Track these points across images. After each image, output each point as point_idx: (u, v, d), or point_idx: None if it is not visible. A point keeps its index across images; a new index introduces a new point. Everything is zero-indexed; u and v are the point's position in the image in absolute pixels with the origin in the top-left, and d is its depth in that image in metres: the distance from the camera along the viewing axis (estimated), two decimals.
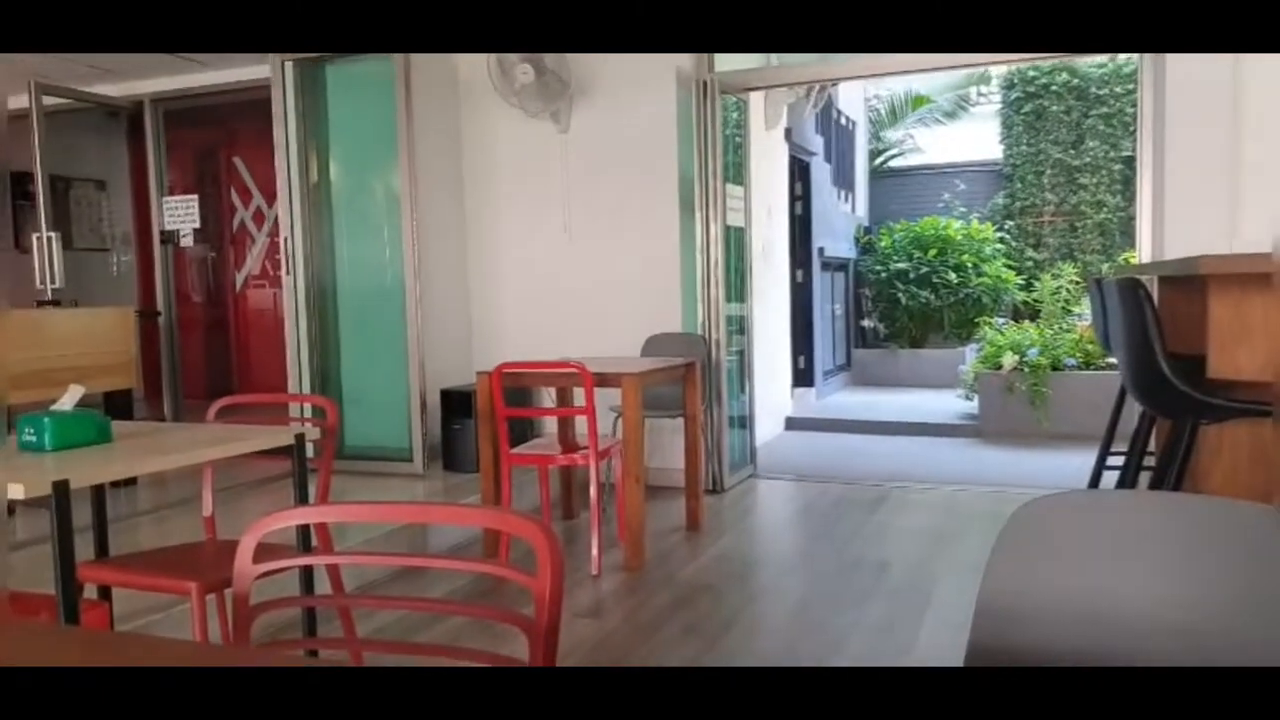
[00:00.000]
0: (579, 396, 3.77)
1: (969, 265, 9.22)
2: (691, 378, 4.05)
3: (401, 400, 4.79)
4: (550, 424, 4.70)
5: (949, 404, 7.42)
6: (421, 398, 4.72)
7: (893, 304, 9.51)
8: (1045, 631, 0.98)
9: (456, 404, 4.66)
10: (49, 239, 5.10)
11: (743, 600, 3.26)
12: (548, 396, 4.57)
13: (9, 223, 6.65)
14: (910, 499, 4.68)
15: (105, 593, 2.28)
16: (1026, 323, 7.54)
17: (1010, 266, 9.43)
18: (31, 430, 1.96)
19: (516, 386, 4.04)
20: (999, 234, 9.72)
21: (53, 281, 5.08)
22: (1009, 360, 6.49)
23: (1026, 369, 6.41)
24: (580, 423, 3.81)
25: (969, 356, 7.89)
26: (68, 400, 2.05)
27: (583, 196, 4.98)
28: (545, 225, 5.07)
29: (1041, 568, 0.99)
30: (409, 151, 4.68)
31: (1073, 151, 9.74)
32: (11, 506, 3.70)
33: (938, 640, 2.81)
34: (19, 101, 5.12)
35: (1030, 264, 9.77)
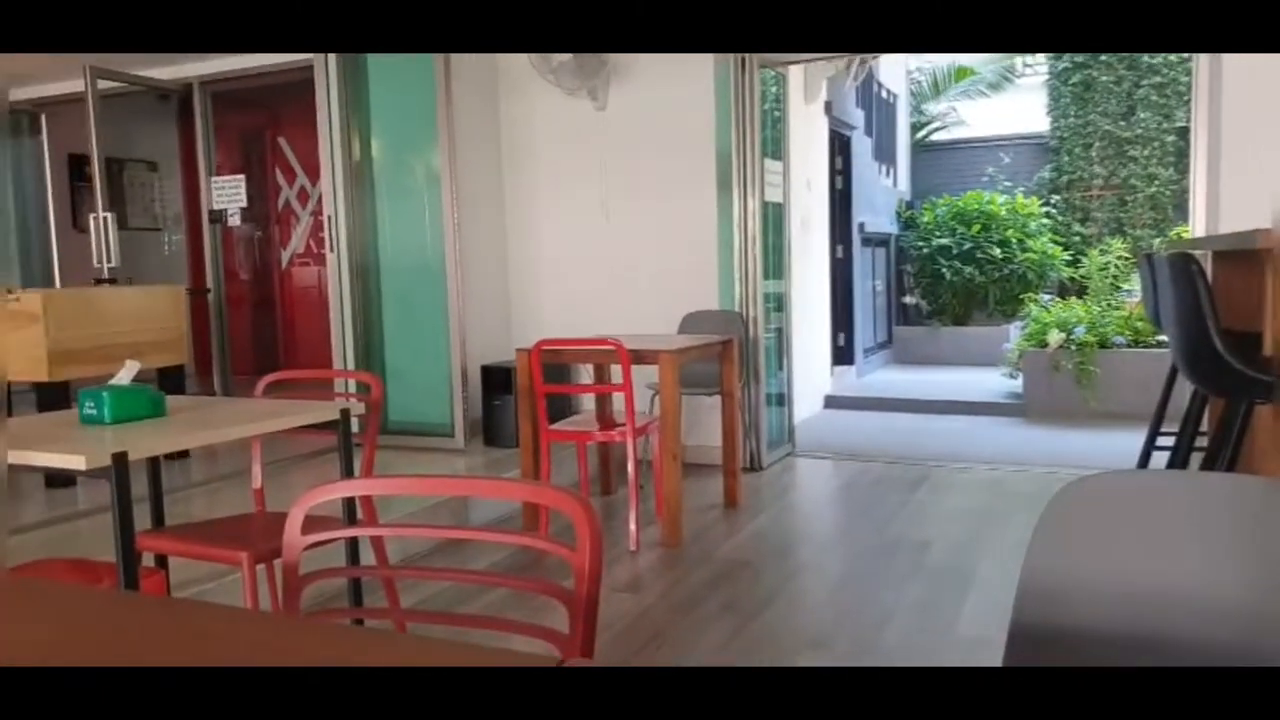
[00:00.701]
0: (616, 373, 3.79)
1: (1014, 241, 9.06)
2: (729, 355, 4.04)
3: (443, 376, 4.85)
4: (588, 400, 4.73)
5: (992, 382, 7.33)
6: (463, 374, 4.78)
7: (935, 280, 9.38)
8: (1090, 613, 0.97)
9: (496, 380, 4.72)
10: (105, 219, 5.22)
11: (781, 577, 3.27)
12: (585, 373, 4.60)
13: (67, 203, 6.83)
14: (952, 479, 4.64)
15: (161, 561, 2.35)
16: (1073, 299, 7.39)
17: (1057, 242, 9.25)
18: (92, 404, 2.02)
19: (555, 363, 4.07)
20: (1045, 208, 9.52)
21: (109, 260, 5.21)
22: (1055, 338, 6.39)
23: (1073, 347, 6.30)
24: (618, 399, 3.83)
25: (1013, 334, 7.78)
26: (124, 375, 2.11)
27: (620, 173, 4.98)
28: (583, 202, 5.08)
29: (1087, 548, 0.99)
30: (448, 130, 4.70)
31: (1123, 123, 9.49)
32: (73, 477, 3.83)
33: (980, 620, 2.80)
34: (75, 85, 5.23)
35: (1077, 239, 9.56)
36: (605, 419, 4.00)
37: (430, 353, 4.90)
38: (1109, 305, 6.87)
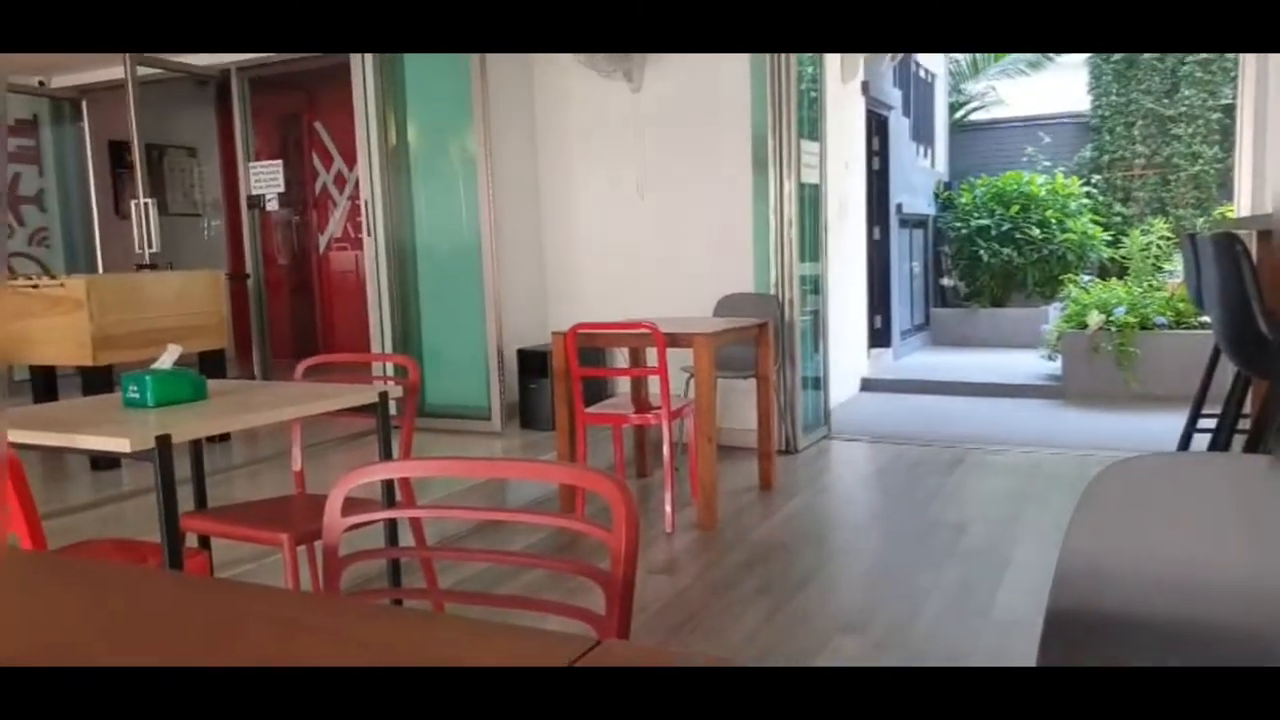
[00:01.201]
0: (652, 357, 3.79)
1: (1053, 221, 8.90)
2: (764, 338, 4.03)
3: (479, 359, 4.88)
4: (624, 384, 4.74)
5: (1031, 364, 7.23)
6: (499, 357, 4.81)
7: (973, 262, 9.26)
8: (1128, 597, 0.96)
9: (532, 363, 4.74)
10: (146, 205, 5.31)
11: (817, 560, 3.27)
12: (621, 356, 4.61)
13: (109, 190, 6.95)
14: (989, 461, 4.60)
15: (204, 542, 2.41)
16: (1113, 280, 7.26)
17: (1097, 222, 9.07)
18: (135, 388, 2.06)
19: (590, 346, 4.08)
20: (1085, 188, 9.34)
21: (150, 246, 5.30)
22: (1095, 319, 6.28)
23: (1113, 328, 6.19)
24: (653, 383, 3.84)
25: (1052, 316, 7.66)
26: (167, 359, 2.15)
27: (655, 155, 4.96)
28: (618, 185, 5.07)
29: (1126, 531, 0.97)
30: (483, 113, 4.72)
31: (1166, 100, 9.27)
32: (117, 460, 3.92)
33: (1016, 603, 2.78)
34: (115, 72, 5.31)
35: (1118, 219, 9.37)
36: (640, 402, 4.01)
37: (467, 336, 4.94)
38: (1150, 286, 6.74)
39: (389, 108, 5.03)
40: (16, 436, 1.69)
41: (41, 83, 6.66)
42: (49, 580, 1.11)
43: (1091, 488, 0.98)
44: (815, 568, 3.18)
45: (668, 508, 3.63)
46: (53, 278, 4.14)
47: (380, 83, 4.99)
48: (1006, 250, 9.02)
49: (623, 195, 5.07)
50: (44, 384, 4.78)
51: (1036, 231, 8.90)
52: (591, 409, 3.80)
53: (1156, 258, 7.22)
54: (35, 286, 4.06)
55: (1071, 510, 0.99)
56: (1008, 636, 2.56)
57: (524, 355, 4.81)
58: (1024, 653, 2.43)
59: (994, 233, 9.07)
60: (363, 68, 4.97)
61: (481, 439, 4.71)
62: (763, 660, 2.47)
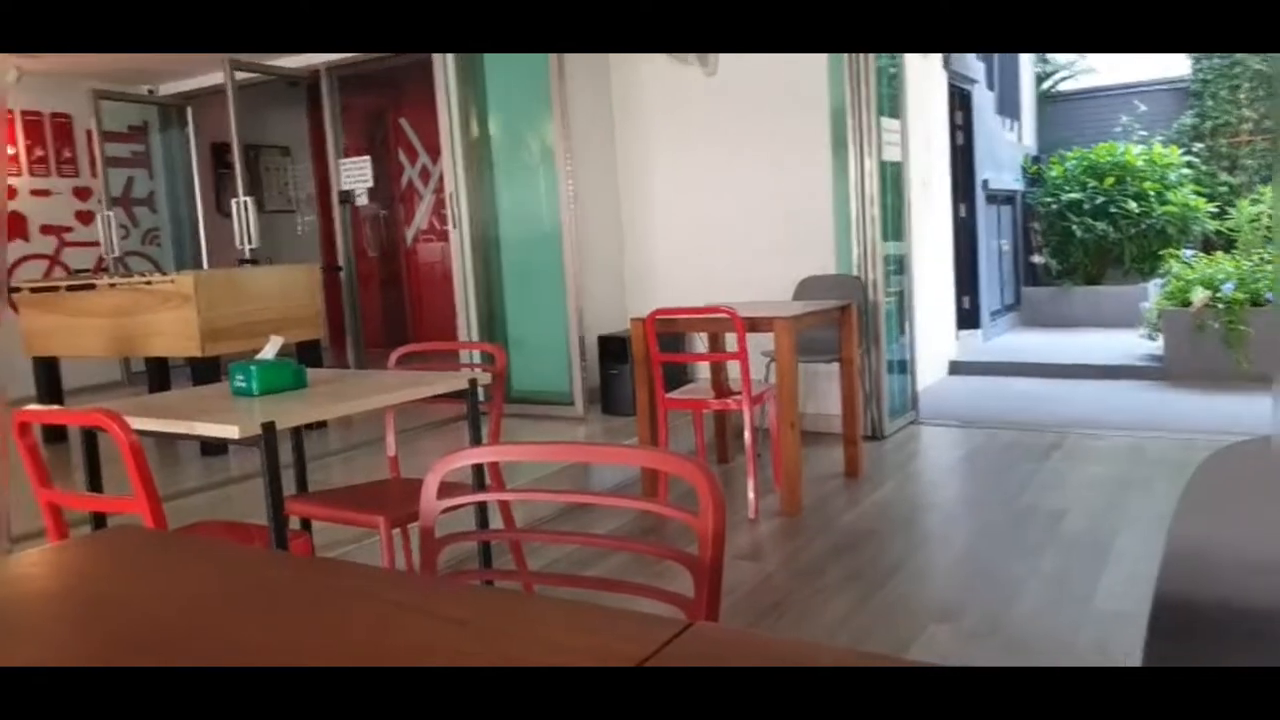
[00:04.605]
0: (731, 341, 3.78)
1: (1151, 193, 8.51)
2: (847, 321, 3.98)
3: (561, 346, 4.95)
4: (703, 368, 4.74)
5: (1129, 344, 6.95)
6: (580, 343, 4.87)
7: (1066, 238, 8.93)
8: (1239, 585, 0.93)
9: (613, 349, 4.78)
10: (245, 203, 5.53)
11: (907, 547, 3.22)
12: (700, 342, 4.61)
13: (212, 189, 7.26)
14: (1087, 446, 4.45)
15: (305, 524, 2.51)
16: (1219, 254, 6.91)
17: (1200, 193, 8.63)
18: (242, 378, 2.16)
19: (670, 332, 4.09)
20: (1186, 158, 8.90)
21: (250, 242, 5.52)
22: (1199, 296, 6.00)
23: (1220, 305, 5.91)
24: (733, 367, 3.83)
25: (1152, 293, 7.34)
26: (269, 350, 2.25)
27: (732, 138, 4.93)
28: (694, 169, 5.06)
29: (1236, 517, 0.94)
30: (561, 103, 4.76)
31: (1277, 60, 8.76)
32: (224, 445, 4.10)
33: (1118, 593, 2.69)
34: (215, 78, 5.54)
35: (1224, 189, 8.91)
36: (720, 387, 4.01)
37: (549, 323, 5.01)
38: (1261, 259, 6.39)
39: (470, 102, 5.13)
40: (138, 424, 1.80)
41: (151, 91, 6.99)
42: (174, 557, 1.18)
43: (1198, 473, 0.95)
44: (905, 555, 3.14)
45: (750, 494, 3.63)
46: (164, 275, 4.36)
47: (462, 78, 5.09)
48: (1101, 225, 8.67)
49: (700, 179, 5.05)
50: (158, 374, 5.04)
51: (1133, 205, 8.52)
52: (672, 394, 3.81)
53: (1268, 229, 6.84)
54: (149, 283, 4.28)
55: (1177, 496, 0.96)
56: (1111, 627, 2.49)
57: (604, 341, 4.85)
58: (1129, 644, 2.35)
59: (1087, 207, 8.73)
60: (444, 65, 5.07)
61: (564, 424, 4.78)
62: (856, 648, 2.45)
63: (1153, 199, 8.49)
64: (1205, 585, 0.94)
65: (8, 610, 1.02)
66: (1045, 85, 10.46)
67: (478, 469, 2.40)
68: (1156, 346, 6.44)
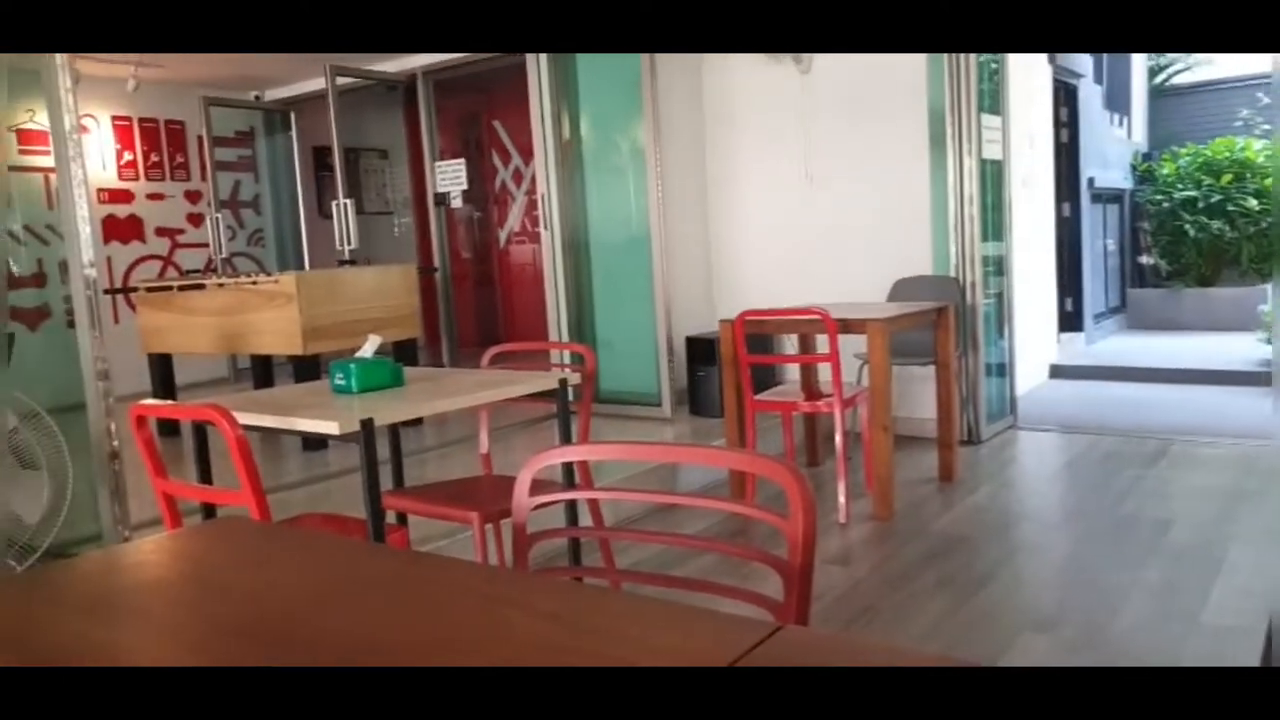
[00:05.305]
0: (822, 343, 3.73)
1: (1273, 191, 8.05)
2: (944, 323, 3.88)
3: (649, 347, 4.96)
4: (793, 370, 4.69)
5: (1245, 349, 6.59)
6: (668, 344, 4.87)
7: (1177, 237, 8.51)
8: None
9: (701, 351, 4.78)
10: (345, 205, 5.72)
11: (1002, 554, 3.12)
12: (790, 343, 4.56)
13: (313, 192, 7.55)
14: (1196, 454, 4.23)
15: (402, 518, 2.58)
16: None
17: None
18: (341, 375, 2.24)
19: (758, 333, 4.06)
20: None
21: (349, 243, 5.71)
22: None
23: None
24: (824, 369, 3.77)
25: (1270, 295, 6.94)
26: (368, 349, 2.32)
27: (825, 137, 4.86)
28: (786, 169, 5.01)
29: None
30: (652, 104, 4.77)
31: None
32: (324, 440, 4.25)
33: (1230, 607, 2.56)
34: (316, 84, 5.74)
35: None
36: (811, 389, 3.96)
37: (637, 324, 5.03)
38: None
39: (562, 104, 5.18)
40: (244, 419, 1.88)
41: (257, 97, 7.30)
42: (279, 547, 1.23)
43: None
44: (1000, 562, 3.04)
45: (841, 498, 3.57)
46: (268, 275, 4.54)
47: (554, 80, 5.15)
48: (1216, 224, 8.24)
49: (791, 179, 5.00)
50: (262, 371, 5.26)
51: (1253, 203, 8.08)
52: (760, 396, 3.78)
53: None
54: (254, 284, 4.46)
55: None
56: (1221, 643, 2.36)
57: (692, 342, 4.85)
58: (1241, 661, 2.23)
59: (1201, 205, 8.30)
60: (538, 66, 5.14)
61: (652, 425, 4.79)
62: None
63: (1275, 196, 8.03)
64: None
65: (127, 592, 1.08)
66: (1158, 79, 10.00)
67: (567, 468, 2.42)
68: (1274, 351, 6.09)
